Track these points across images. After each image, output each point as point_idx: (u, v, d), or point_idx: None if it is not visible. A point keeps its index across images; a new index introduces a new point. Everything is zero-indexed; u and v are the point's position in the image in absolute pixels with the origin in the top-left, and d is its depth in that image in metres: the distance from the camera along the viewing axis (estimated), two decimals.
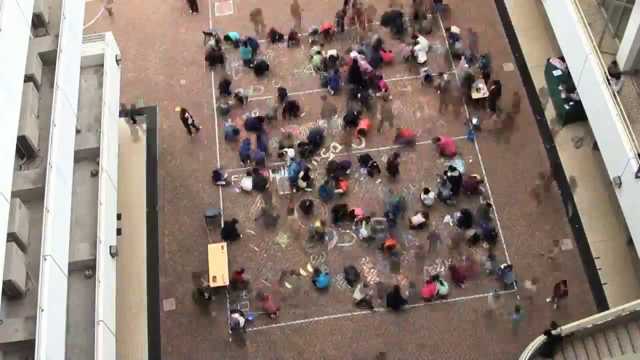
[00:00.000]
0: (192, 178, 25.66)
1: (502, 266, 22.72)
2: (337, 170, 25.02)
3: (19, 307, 16.87)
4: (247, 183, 24.91)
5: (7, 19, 16.15)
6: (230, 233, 23.88)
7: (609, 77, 20.75)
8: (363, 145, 25.83)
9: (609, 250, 23.25)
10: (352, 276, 23.05)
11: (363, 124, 26.00)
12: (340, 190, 24.64)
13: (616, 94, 20.48)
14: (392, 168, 24.78)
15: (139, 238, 24.48)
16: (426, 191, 24.21)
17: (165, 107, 27.51)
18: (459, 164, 24.82)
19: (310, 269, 23.44)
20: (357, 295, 22.57)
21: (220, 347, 22.33)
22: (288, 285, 23.19)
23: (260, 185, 24.91)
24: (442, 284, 22.57)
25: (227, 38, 28.48)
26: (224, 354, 22.21)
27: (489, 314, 22.33)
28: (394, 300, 22.37)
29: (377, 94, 26.70)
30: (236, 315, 22.17)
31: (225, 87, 27.29)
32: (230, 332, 22.42)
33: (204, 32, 28.71)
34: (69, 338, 18.12)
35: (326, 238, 23.94)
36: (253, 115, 26.67)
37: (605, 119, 20.63)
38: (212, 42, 28.16)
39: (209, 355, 22.28)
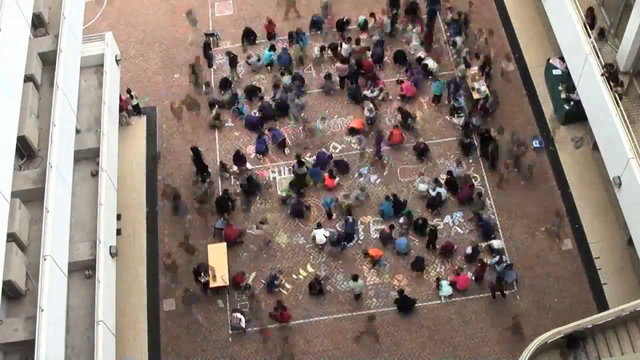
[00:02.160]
0: (192, 178, 25.65)
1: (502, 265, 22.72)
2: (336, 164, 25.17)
3: (19, 307, 16.88)
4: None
5: (7, 19, 16.16)
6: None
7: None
8: (364, 144, 25.78)
9: (609, 250, 23.25)
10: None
11: (354, 122, 26.03)
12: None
13: (616, 95, 20.46)
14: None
15: (139, 238, 24.48)
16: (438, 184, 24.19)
17: (165, 107, 27.50)
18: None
19: (310, 269, 23.45)
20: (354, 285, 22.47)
21: (220, 347, 22.32)
22: (288, 286, 23.20)
23: (254, 188, 24.91)
24: (442, 286, 22.60)
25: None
26: (224, 354, 22.21)
27: (488, 314, 22.35)
28: (404, 304, 22.33)
29: (374, 94, 26.63)
30: (237, 314, 22.16)
31: (224, 85, 27.31)
32: (230, 332, 22.40)
33: (205, 34, 28.71)
34: (69, 338, 18.13)
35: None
36: (253, 115, 26.70)
37: (605, 119, 20.63)
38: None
39: (209, 355, 22.28)
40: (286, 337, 22.27)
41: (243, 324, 22.15)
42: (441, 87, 26.24)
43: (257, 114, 26.63)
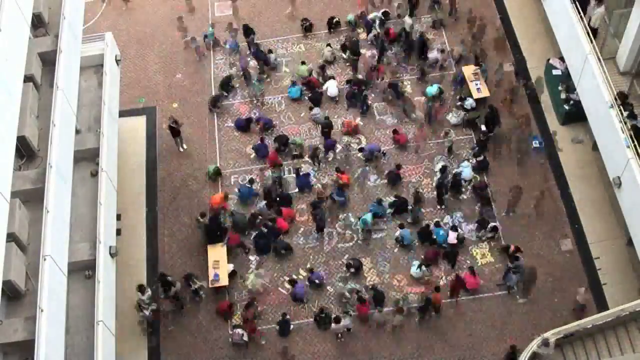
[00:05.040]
0: (192, 178, 25.68)
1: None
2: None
3: (19, 307, 16.87)
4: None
5: (7, 19, 16.16)
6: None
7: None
8: (364, 144, 25.81)
9: (609, 250, 23.25)
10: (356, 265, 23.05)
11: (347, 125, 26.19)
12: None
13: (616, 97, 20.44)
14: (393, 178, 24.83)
15: (139, 238, 24.48)
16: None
17: (165, 107, 27.54)
18: (467, 170, 24.64)
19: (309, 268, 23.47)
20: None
21: (220, 348, 22.31)
22: (288, 286, 23.19)
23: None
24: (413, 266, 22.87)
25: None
26: (224, 355, 22.20)
27: (488, 314, 22.34)
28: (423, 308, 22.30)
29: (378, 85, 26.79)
30: (238, 330, 21.92)
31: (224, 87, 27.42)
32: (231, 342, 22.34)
33: (205, 35, 28.68)
34: (69, 338, 18.12)
35: (326, 238, 24.00)
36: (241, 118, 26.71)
37: (605, 119, 20.63)
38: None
39: (208, 355, 22.26)
40: (286, 338, 22.29)
41: (246, 338, 21.95)
42: (436, 90, 26.09)
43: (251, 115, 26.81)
